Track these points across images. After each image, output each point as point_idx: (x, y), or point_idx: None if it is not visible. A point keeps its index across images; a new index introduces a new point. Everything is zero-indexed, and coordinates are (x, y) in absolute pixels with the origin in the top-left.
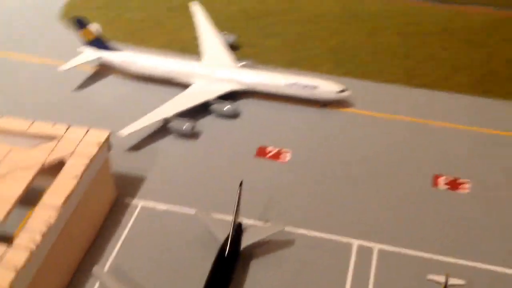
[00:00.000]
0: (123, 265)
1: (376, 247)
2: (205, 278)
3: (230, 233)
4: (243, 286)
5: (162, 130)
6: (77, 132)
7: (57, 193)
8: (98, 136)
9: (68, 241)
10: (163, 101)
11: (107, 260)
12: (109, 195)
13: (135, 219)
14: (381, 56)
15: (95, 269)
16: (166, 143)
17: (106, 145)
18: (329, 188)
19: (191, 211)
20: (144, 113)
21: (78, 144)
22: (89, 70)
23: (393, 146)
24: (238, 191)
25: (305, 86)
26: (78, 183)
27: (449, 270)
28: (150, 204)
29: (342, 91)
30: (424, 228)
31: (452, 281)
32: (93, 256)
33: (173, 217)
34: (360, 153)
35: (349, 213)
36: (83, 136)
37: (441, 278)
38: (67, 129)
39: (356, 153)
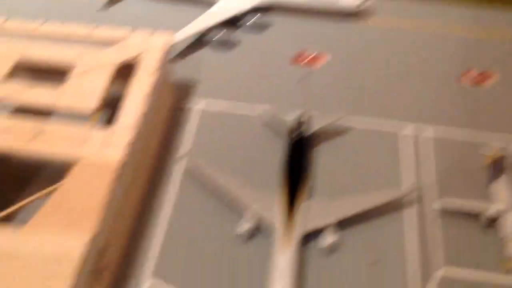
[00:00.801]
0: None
1: (431, 128)
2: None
3: (299, 117)
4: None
5: (202, 40)
6: (141, 34)
7: (139, 86)
8: (163, 37)
9: (151, 131)
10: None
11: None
12: (170, 98)
13: (196, 119)
14: None
15: (181, 155)
16: (208, 53)
17: (171, 46)
18: (372, 85)
19: (247, 112)
20: (176, 30)
21: (145, 45)
22: None
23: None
24: (302, 82)
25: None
26: (156, 76)
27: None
28: (207, 106)
29: (364, 1)
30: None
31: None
32: (167, 151)
33: (232, 116)
34: (389, 58)
35: (396, 105)
36: (149, 38)
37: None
38: (132, 32)
39: (386, 59)
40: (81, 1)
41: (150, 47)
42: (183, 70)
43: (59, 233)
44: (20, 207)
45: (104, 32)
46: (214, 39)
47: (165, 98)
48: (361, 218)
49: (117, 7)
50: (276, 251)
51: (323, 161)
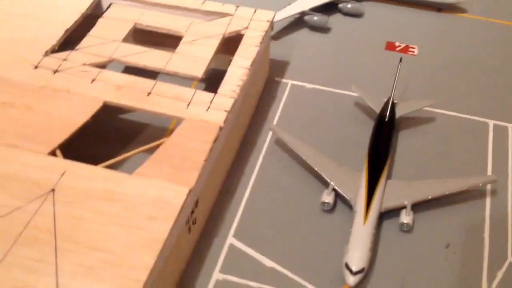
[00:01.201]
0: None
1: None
2: (365, 143)
3: (389, 100)
4: (396, 151)
5: (297, 23)
6: (246, 11)
7: (244, 58)
8: (266, 14)
9: (247, 103)
10: None
11: (269, 124)
12: (266, 73)
13: (288, 94)
14: None
15: (272, 126)
16: (302, 35)
17: (272, 23)
18: (460, 77)
19: (336, 90)
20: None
21: (250, 21)
22: None
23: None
24: (398, 66)
25: None
26: (259, 51)
27: None
28: (299, 83)
29: None
30: None
31: None
32: (258, 121)
33: (321, 94)
34: (481, 53)
35: (484, 97)
36: (253, 14)
37: None
38: (237, 8)
39: (477, 53)
40: None
41: (253, 22)
42: (279, 49)
43: (163, 182)
44: (127, 157)
45: (212, 6)
46: (311, 22)
47: (263, 71)
48: (438, 202)
49: None
50: (355, 225)
51: (409, 145)
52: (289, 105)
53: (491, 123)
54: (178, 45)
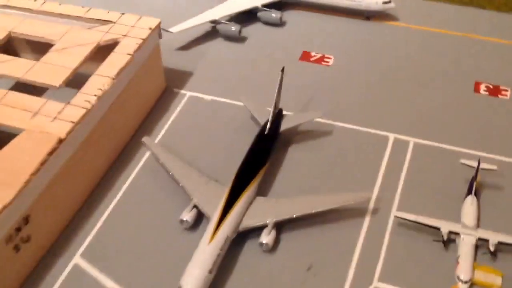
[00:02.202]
0: (170, 143)
1: (412, 140)
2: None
3: (271, 112)
4: (281, 164)
5: (211, 33)
6: (130, 18)
7: (111, 66)
8: (150, 22)
9: (119, 115)
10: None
11: (155, 137)
12: (159, 84)
13: (183, 105)
14: None
15: (145, 139)
16: (215, 45)
17: (157, 31)
18: (370, 90)
19: (237, 103)
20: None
21: (131, 28)
22: None
23: (435, 56)
24: (280, 76)
25: None
26: (130, 60)
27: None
28: (198, 95)
29: (388, 2)
30: (461, 127)
31: (485, 165)
32: (142, 134)
33: (219, 106)
34: (403, 62)
35: (389, 111)
36: (136, 22)
37: (473, 163)
38: (121, 15)
39: (399, 61)
40: None
41: (134, 30)
42: (187, 59)
43: None
44: None
45: (95, 13)
46: (223, 31)
47: (152, 81)
48: (310, 221)
49: None
50: (200, 244)
51: (299, 159)
52: (183, 117)
53: (392, 136)
54: (46, 54)
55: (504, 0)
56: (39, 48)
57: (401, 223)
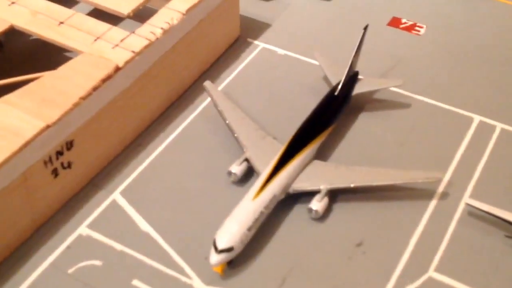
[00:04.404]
0: (232, 92)
1: (500, 126)
2: None
3: (345, 73)
4: (348, 130)
5: None
6: None
7: (183, 1)
8: None
9: (184, 54)
10: None
11: (218, 85)
12: (232, 31)
13: (254, 56)
14: None
15: (207, 83)
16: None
17: None
18: (461, 66)
19: (312, 61)
20: None
21: None
22: None
23: None
24: (361, 35)
25: None
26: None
27: None
28: (272, 48)
29: None
30: None
31: None
32: (206, 79)
33: (292, 62)
34: (505, 41)
35: (478, 91)
36: None
37: None
38: None
39: (501, 40)
40: None
41: None
42: (268, 10)
43: (21, 112)
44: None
45: None
46: None
47: (225, 26)
48: (369, 193)
49: None
50: (244, 198)
51: (368, 128)
52: (251, 68)
53: (477, 118)
54: None
55: None
56: None
57: (472, 213)
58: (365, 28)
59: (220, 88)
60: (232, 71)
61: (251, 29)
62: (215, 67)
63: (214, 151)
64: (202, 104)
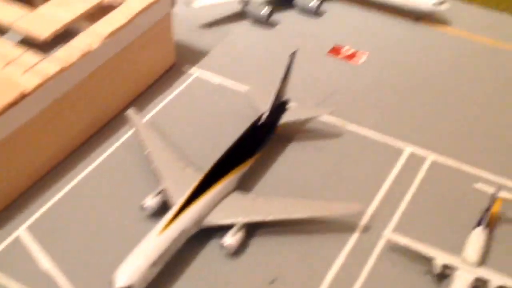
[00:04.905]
0: (160, 122)
1: (430, 157)
2: None
3: (271, 102)
4: (275, 160)
5: (239, 14)
6: None
7: (106, 25)
8: None
9: (108, 81)
10: None
11: (147, 113)
12: (166, 57)
13: (188, 84)
14: None
15: (130, 111)
16: (240, 27)
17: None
18: (398, 96)
19: (243, 89)
20: None
21: None
22: None
23: (484, 72)
24: (288, 61)
25: None
26: (128, 22)
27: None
28: (206, 75)
29: (440, 3)
30: (494, 151)
31: (503, 194)
32: (134, 107)
33: (225, 91)
34: (443, 72)
35: (413, 121)
36: None
37: (489, 189)
38: None
39: (439, 71)
40: None
41: None
42: (205, 37)
43: None
44: None
45: None
46: (251, 13)
47: (157, 53)
48: (285, 226)
49: None
50: (150, 233)
51: (296, 156)
52: (183, 96)
53: (408, 149)
54: (43, 5)
55: None
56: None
57: (393, 247)
58: (292, 55)
59: (149, 116)
60: (164, 99)
61: (188, 56)
62: (146, 94)
63: (133, 183)
64: (128, 133)
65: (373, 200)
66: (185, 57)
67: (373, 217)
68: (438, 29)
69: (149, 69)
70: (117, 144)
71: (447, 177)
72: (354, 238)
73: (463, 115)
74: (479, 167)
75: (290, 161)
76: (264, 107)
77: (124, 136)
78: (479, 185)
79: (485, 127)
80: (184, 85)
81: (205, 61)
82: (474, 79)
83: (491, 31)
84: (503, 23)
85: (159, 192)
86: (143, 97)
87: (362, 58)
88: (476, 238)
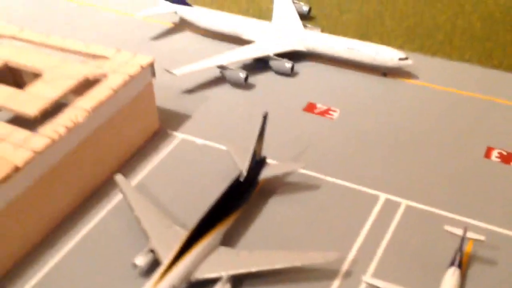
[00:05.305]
0: (148, 184)
1: (404, 203)
2: None
3: (249, 159)
4: (257, 215)
5: (219, 79)
6: (124, 55)
7: (90, 99)
8: (143, 59)
9: (95, 150)
10: None
11: (135, 177)
12: (151, 124)
13: (174, 148)
14: (458, 38)
15: (118, 177)
16: (221, 91)
17: (149, 69)
18: (370, 148)
19: (226, 149)
20: None
21: (123, 65)
22: (168, 25)
23: (448, 119)
24: (261, 122)
25: (366, 51)
26: (111, 95)
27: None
28: (190, 138)
29: (404, 58)
30: (463, 194)
31: (471, 235)
32: (122, 172)
33: (210, 152)
34: (412, 122)
35: (386, 170)
36: (130, 59)
37: (458, 231)
38: (117, 52)
39: (408, 121)
40: None
41: (125, 66)
42: (187, 102)
43: None
44: None
45: (93, 49)
46: (230, 78)
47: (141, 119)
48: (270, 276)
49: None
50: None
51: (276, 210)
52: (170, 160)
53: (383, 197)
54: (32, 84)
55: None
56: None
57: None
58: (265, 116)
59: (137, 180)
60: (151, 163)
61: (172, 121)
62: (134, 159)
63: (124, 244)
64: (118, 197)
65: (352, 247)
66: (170, 122)
67: (353, 263)
68: (405, 82)
69: (134, 136)
70: (108, 207)
71: (420, 221)
72: (335, 284)
73: (431, 161)
74: (447, 210)
75: (272, 215)
76: (243, 165)
77: (115, 199)
78: (449, 227)
79: (452, 171)
80: (170, 147)
81: (188, 124)
82: (440, 127)
83: (454, 81)
84: (466, 73)
85: (149, 251)
86: (131, 162)
87: (334, 114)
88: (450, 279)
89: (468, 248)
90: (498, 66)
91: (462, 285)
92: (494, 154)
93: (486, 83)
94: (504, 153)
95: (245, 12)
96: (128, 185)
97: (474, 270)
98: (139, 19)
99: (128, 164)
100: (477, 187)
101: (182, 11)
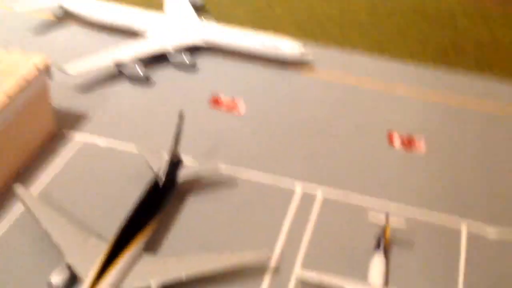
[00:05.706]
0: (54, 193)
1: (321, 191)
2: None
3: (167, 163)
4: (177, 218)
5: (117, 76)
6: (14, 54)
7: None
8: (37, 59)
9: None
10: None
11: (36, 186)
12: (45, 127)
13: (76, 152)
14: (348, 29)
15: (17, 187)
16: (120, 88)
17: (45, 70)
18: (279, 142)
19: (134, 149)
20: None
21: (14, 65)
22: (50, 18)
23: (350, 108)
24: (178, 123)
25: (267, 44)
26: (8, 102)
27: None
28: (93, 139)
29: (304, 52)
30: (373, 179)
31: (392, 220)
32: (22, 182)
33: (115, 154)
34: (316, 112)
35: (299, 161)
36: (20, 59)
37: (381, 218)
38: (4, 51)
39: (313, 112)
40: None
41: (16, 67)
42: (84, 101)
43: None
44: None
45: None
46: (129, 74)
47: (33, 122)
48: (201, 281)
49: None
50: None
51: (197, 211)
52: (73, 164)
53: (299, 187)
54: None
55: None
56: None
57: (305, 282)
58: (181, 116)
59: (39, 188)
60: (53, 169)
61: (72, 122)
62: (32, 167)
63: (34, 262)
64: (20, 209)
65: (277, 242)
66: (68, 123)
67: (280, 258)
68: (304, 73)
69: (28, 142)
70: (10, 222)
71: (340, 208)
72: (266, 281)
73: (339, 147)
74: (366, 198)
75: (193, 217)
76: (158, 167)
77: (18, 211)
78: (371, 213)
79: (359, 157)
80: (72, 152)
81: (89, 124)
82: (341, 115)
83: (351, 70)
84: (360, 63)
85: (65, 267)
86: (29, 169)
87: (242, 109)
88: (377, 262)
89: (388, 233)
90: (390, 56)
91: (388, 270)
92: (396, 137)
93: (379, 73)
94: (404, 137)
95: (135, 3)
96: (31, 195)
97: (398, 255)
98: (18, 13)
99: (26, 172)
100: (382, 171)
101: (69, 4)
